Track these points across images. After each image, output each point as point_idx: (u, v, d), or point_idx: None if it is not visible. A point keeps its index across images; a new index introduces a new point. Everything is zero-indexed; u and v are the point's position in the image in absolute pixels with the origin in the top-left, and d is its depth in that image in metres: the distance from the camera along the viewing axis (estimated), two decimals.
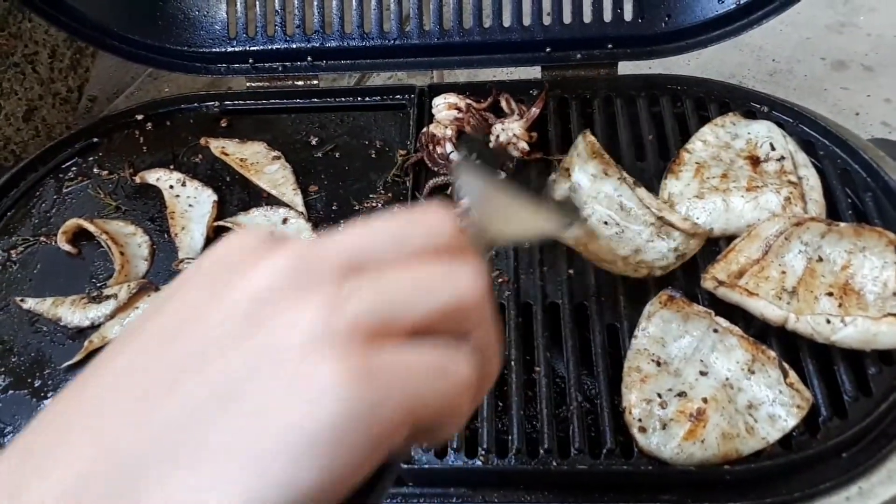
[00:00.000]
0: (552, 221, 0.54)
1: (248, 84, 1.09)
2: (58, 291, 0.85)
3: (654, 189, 0.88)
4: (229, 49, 1.08)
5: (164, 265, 0.87)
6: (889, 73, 1.40)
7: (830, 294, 0.76)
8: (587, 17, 1.04)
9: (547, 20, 1.05)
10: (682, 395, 0.69)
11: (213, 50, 1.08)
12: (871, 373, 0.71)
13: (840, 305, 0.75)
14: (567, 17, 1.04)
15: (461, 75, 1.29)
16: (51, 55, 1.25)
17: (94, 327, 0.81)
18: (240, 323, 0.30)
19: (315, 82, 1.08)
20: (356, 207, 0.91)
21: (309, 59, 1.07)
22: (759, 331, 0.74)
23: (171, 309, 0.31)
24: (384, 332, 0.30)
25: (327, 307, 0.29)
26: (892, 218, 0.83)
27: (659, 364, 0.72)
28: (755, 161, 0.89)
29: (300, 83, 1.08)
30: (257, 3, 1.07)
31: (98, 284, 0.86)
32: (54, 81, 1.27)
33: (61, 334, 0.82)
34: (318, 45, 1.07)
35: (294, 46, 1.07)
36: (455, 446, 0.69)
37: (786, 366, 0.70)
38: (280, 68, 1.07)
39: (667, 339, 0.74)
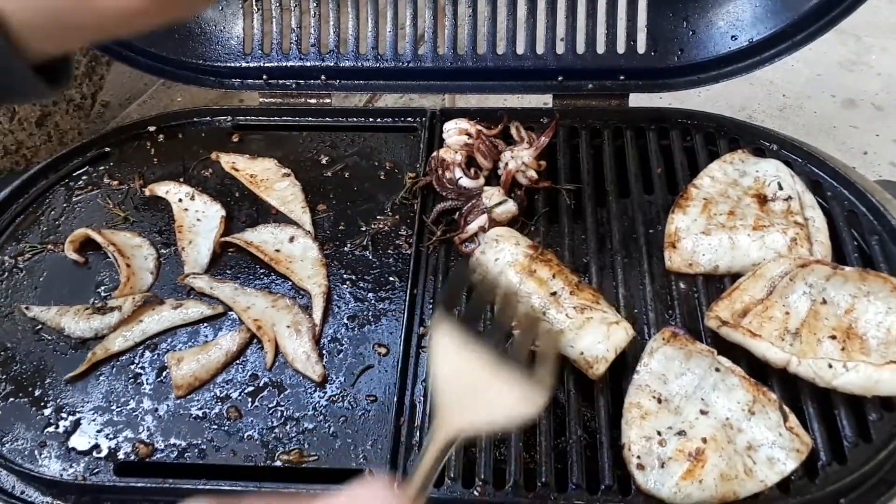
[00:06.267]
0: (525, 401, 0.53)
1: (260, 100, 1.10)
2: (63, 300, 0.86)
3: (661, 222, 0.89)
4: (244, 64, 1.09)
5: (170, 279, 0.87)
6: None
7: (833, 337, 0.76)
8: (600, 47, 1.05)
9: (560, 49, 1.05)
10: (681, 433, 0.69)
11: (228, 65, 1.09)
12: (871, 419, 0.71)
13: (843, 349, 0.75)
14: (580, 47, 1.05)
15: (472, 100, 1.30)
16: None
17: (98, 338, 0.82)
18: None
19: (328, 101, 1.09)
20: (363, 228, 0.91)
21: (323, 77, 1.08)
22: (760, 370, 0.74)
23: None
24: None
25: None
26: None
27: (660, 401, 0.72)
28: (762, 199, 0.89)
29: (313, 101, 1.09)
30: (273, 20, 1.08)
31: (103, 295, 0.86)
32: (69, 88, 1.28)
33: (64, 344, 0.82)
34: (332, 64, 1.07)
35: (308, 64, 1.08)
36: (452, 475, 0.69)
37: (786, 409, 0.70)
38: (294, 85, 1.08)
39: (668, 375, 0.74)
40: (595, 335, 0.73)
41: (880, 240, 0.86)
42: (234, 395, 0.77)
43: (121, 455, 0.73)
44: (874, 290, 0.77)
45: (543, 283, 0.76)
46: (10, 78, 0.54)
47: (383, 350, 0.79)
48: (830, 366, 0.71)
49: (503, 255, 0.79)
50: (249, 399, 0.76)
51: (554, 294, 0.75)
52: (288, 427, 0.74)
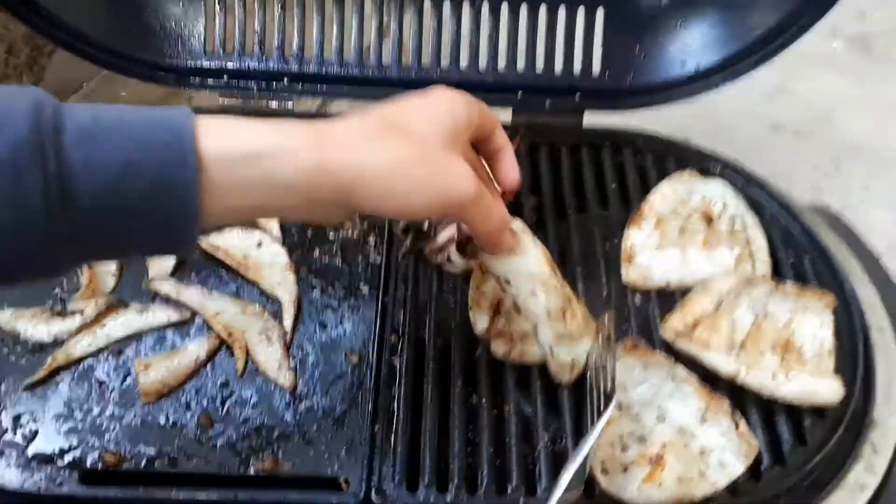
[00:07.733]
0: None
1: (221, 100, 1.08)
2: (17, 303, 0.82)
3: (617, 236, 0.94)
4: (204, 64, 1.07)
5: (134, 282, 0.86)
6: (818, 139, 1.52)
7: (774, 349, 0.82)
8: (558, 67, 1.09)
9: (521, 66, 1.09)
10: (642, 439, 0.74)
11: (188, 63, 1.07)
12: (806, 424, 0.78)
13: (782, 360, 0.82)
14: (539, 66, 1.09)
15: None
16: (7, 51, 1.21)
17: (57, 343, 0.79)
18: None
19: (289, 105, 1.08)
20: (331, 236, 0.92)
21: (285, 80, 1.08)
22: (710, 380, 0.80)
23: None
24: None
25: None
26: (829, 280, 0.91)
27: (621, 408, 0.77)
28: (709, 218, 0.95)
29: (274, 104, 1.08)
30: (237, 21, 1.07)
31: (61, 297, 0.84)
32: (9, 78, 1.22)
33: (20, 349, 0.79)
34: (295, 68, 1.07)
35: (271, 67, 1.07)
36: (426, 482, 0.71)
37: (738, 416, 0.75)
38: (255, 87, 1.07)
39: (628, 384, 0.78)
40: (587, 343, 0.76)
41: (812, 259, 0.93)
42: (205, 402, 0.76)
43: (87, 464, 0.71)
44: (810, 305, 0.85)
45: (563, 284, 0.78)
46: (181, 241, 0.55)
47: (355, 358, 0.80)
48: (774, 377, 0.78)
49: (538, 243, 0.79)
50: (220, 407, 0.76)
51: (569, 299, 0.78)
52: (261, 435, 0.74)
